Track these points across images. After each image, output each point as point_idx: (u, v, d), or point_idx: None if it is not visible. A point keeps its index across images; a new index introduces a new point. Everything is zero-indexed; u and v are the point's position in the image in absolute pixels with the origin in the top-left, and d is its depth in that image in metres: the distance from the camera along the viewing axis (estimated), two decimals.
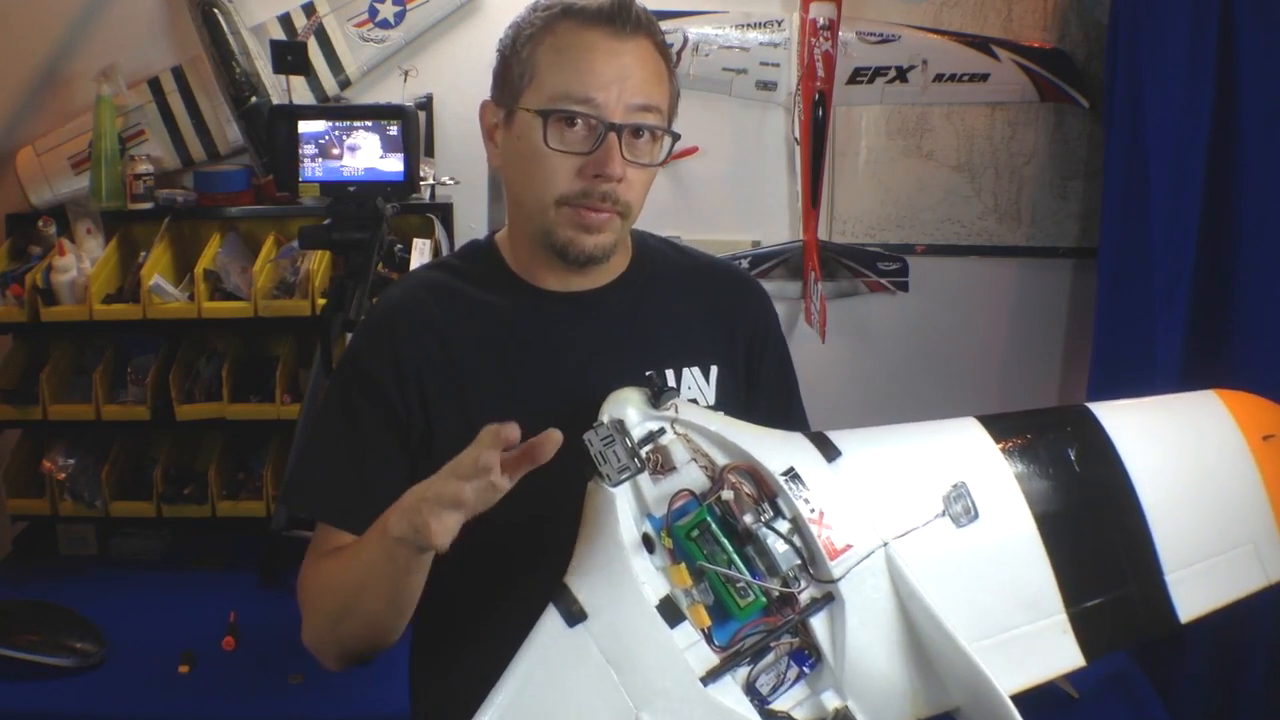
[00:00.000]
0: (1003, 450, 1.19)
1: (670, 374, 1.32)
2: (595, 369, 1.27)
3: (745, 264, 2.62)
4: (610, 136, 1.21)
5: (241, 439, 2.52)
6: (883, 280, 2.66)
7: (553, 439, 1.04)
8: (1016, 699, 1.07)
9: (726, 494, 1.10)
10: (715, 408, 1.30)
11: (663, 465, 1.14)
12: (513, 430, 1.04)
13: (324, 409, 1.36)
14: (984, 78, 2.58)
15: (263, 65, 2.46)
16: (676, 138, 1.30)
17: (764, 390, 1.40)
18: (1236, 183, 2.11)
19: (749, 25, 2.57)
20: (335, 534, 1.28)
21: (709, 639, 1.08)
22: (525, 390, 1.29)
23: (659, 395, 1.15)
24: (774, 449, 1.14)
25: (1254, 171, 2.07)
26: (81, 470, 2.42)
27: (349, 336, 2.04)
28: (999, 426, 1.21)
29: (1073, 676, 1.37)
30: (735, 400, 1.36)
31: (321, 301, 2.25)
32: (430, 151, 2.53)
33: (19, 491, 2.43)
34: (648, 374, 1.23)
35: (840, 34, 2.50)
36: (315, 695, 1.87)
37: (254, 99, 2.46)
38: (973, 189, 2.68)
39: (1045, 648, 1.15)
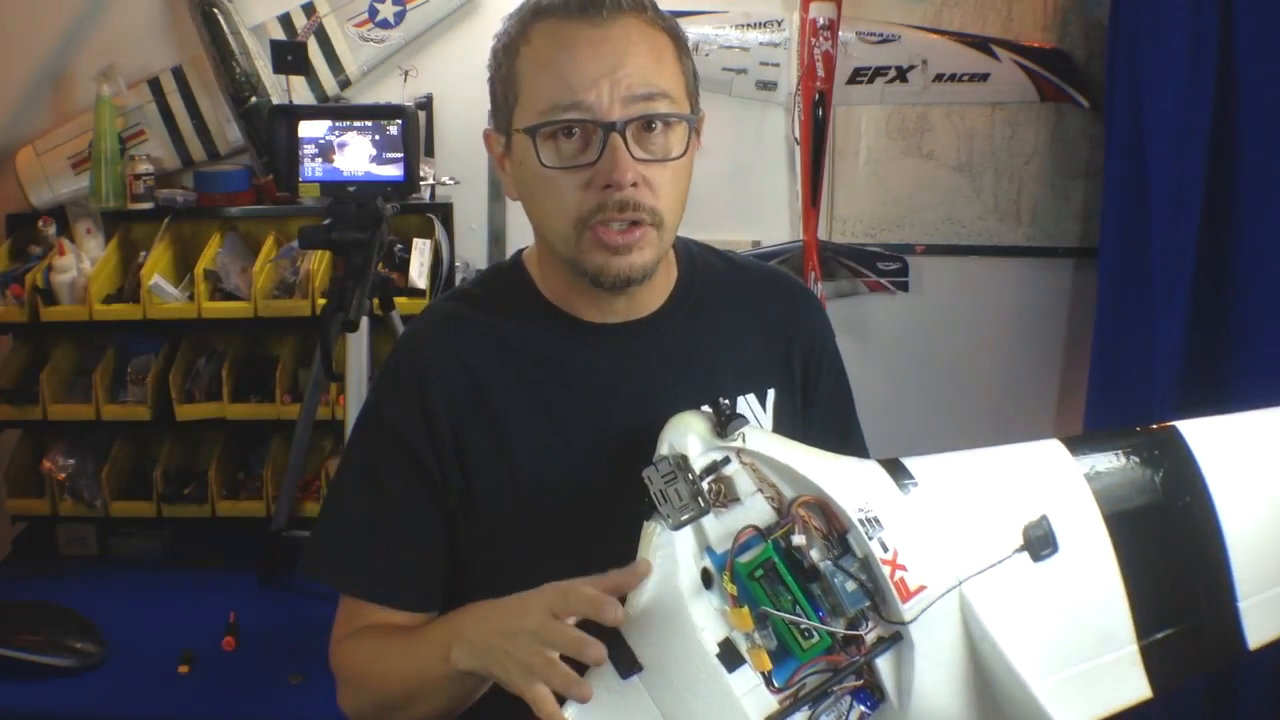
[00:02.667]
0: (1086, 476, 1.12)
1: (726, 404, 1.22)
2: (650, 409, 1.12)
3: None
4: (612, 138, 1.07)
5: (241, 439, 2.52)
6: (883, 280, 2.66)
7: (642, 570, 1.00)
8: None
9: (798, 539, 1.01)
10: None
11: (725, 496, 1.04)
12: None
13: (346, 466, 1.24)
14: (984, 78, 2.57)
15: (263, 65, 2.45)
16: (696, 121, 1.14)
17: (820, 409, 1.29)
18: (1236, 182, 2.11)
19: (749, 25, 2.57)
20: (368, 608, 1.19)
21: (768, 681, 1.02)
22: (572, 436, 1.17)
23: (726, 423, 1.05)
24: (847, 481, 1.05)
25: (1254, 171, 2.07)
26: (81, 470, 2.42)
27: (349, 338, 2.05)
28: (1084, 449, 1.14)
29: None
30: (793, 422, 1.25)
31: (321, 301, 2.25)
32: (430, 151, 2.53)
33: (19, 491, 2.44)
34: (722, 401, 1.13)
35: (840, 34, 2.50)
36: (315, 695, 1.87)
37: (254, 99, 2.46)
38: (973, 189, 2.67)
39: (1114, 681, 1.09)
